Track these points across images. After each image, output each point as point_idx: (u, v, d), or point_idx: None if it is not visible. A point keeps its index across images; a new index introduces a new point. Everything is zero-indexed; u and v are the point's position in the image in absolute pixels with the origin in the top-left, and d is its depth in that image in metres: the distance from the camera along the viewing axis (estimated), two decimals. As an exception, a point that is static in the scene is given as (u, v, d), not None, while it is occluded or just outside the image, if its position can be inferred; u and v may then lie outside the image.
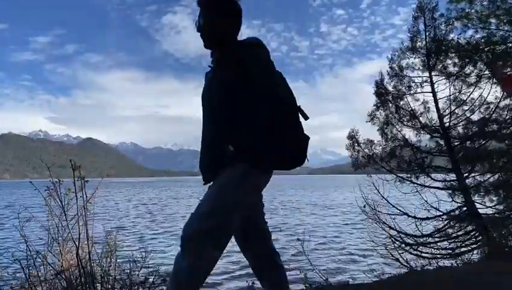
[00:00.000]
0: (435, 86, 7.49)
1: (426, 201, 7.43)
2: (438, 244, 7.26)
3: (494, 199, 7.16)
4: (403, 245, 7.26)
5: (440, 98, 7.48)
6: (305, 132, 1.75)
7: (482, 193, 7.08)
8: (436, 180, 7.54)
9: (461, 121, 7.38)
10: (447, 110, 7.45)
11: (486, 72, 7.12)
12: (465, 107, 7.34)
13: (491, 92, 7.14)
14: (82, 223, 3.07)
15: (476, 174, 7.29)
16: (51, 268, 3.08)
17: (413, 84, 7.63)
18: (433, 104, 7.50)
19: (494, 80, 7.02)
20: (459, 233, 7.22)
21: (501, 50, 6.98)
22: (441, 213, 7.38)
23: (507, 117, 7.06)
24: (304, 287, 4.41)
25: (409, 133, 7.73)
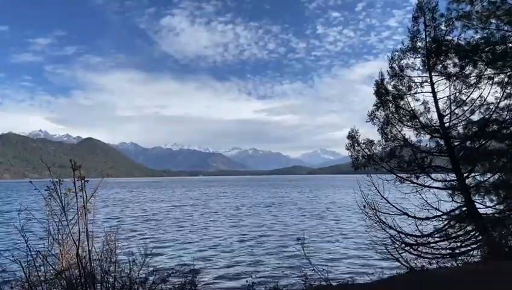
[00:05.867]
0: (435, 86, 7.48)
1: (426, 201, 7.42)
2: (438, 244, 7.25)
3: (494, 199, 7.16)
4: (403, 245, 7.25)
5: (440, 98, 7.47)
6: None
7: (482, 193, 7.08)
8: (436, 180, 7.53)
9: (461, 121, 7.37)
10: (447, 110, 7.44)
11: (486, 72, 7.11)
12: (465, 108, 7.33)
13: (491, 92, 7.15)
14: (82, 223, 3.07)
15: (476, 174, 7.29)
16: (51, 268, 3.08)
17: (413, 84, 7.62)
18: (433, 104, 7.49)
19: (494, 80, 7.02)
20: (459, 233, 7.21)
21: (501, 50, 6.97)
22: (441, 213, 7.37)
23: (507, 117, 7.06)
24: (304, 287, 4.40)
25: (409, 133, 7.72)
